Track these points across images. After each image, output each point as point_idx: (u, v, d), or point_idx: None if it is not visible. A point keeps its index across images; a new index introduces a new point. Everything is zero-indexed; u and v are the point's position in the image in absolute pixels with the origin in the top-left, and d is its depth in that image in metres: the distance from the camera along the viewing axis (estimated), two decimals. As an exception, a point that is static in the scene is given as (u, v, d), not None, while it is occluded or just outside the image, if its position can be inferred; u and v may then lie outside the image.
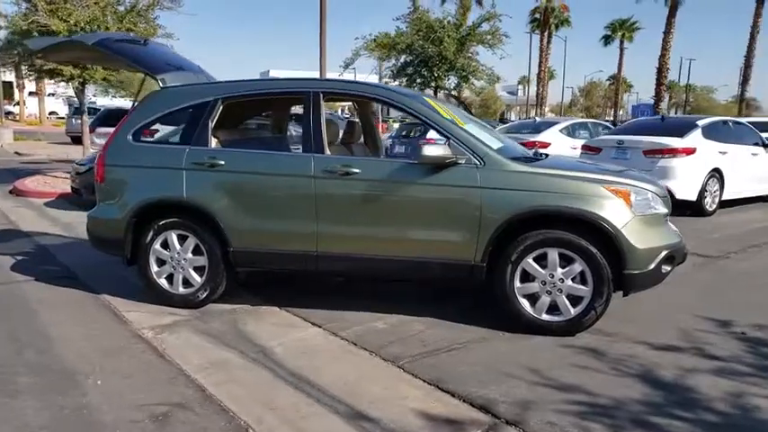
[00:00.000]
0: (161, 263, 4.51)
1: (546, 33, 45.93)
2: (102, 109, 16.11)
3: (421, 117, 4.16)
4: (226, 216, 4.27)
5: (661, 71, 36.76)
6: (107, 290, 4.87)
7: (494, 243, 3.88)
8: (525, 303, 3.93)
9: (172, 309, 4.42)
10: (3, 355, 3.59)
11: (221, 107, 4.46)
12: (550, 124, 13.08)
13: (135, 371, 3.37)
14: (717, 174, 9.11)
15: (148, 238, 4.47)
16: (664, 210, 4.04)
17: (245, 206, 4.27)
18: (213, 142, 4.47)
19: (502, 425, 2.79)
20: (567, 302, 3.86)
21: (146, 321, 4.19)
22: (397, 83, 18.16)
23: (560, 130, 12.60)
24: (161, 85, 4.69)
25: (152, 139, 4.73)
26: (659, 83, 37.47)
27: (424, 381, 3.25)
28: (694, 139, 9.04)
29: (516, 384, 3.20)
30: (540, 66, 46.22)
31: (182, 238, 4.45)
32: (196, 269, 4.46)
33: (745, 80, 41.09)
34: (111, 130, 4.92)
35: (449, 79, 18.12)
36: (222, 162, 4.30)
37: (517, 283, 3.91)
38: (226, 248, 4.33)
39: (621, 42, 57.52)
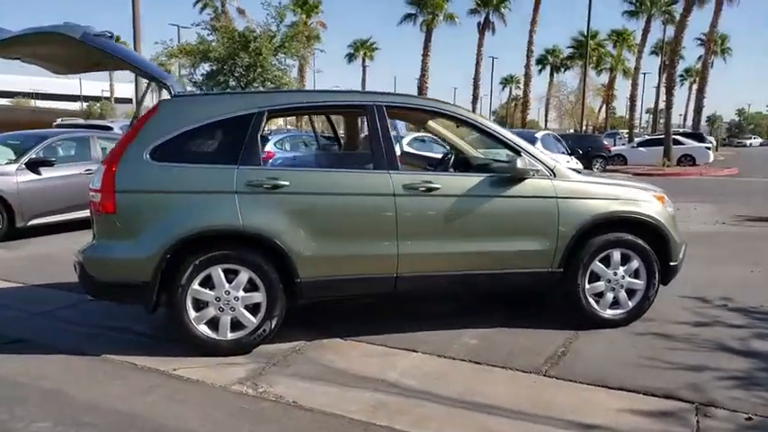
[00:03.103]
0: (199, 305, 3.78)
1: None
2: None
3: (491, 131, 4.28)
4: (295, 244, 3.78)
5: (421, 89, 41.04)
6: (97, 348, 3.91)
7: (570, 249, 4.18)
8: (592, 301, 4.32)
9: (222, 359, 3.75)
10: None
11: (266, 120, 3.94)
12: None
13: (316, 432, 2.85)
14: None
15: (185, 277, 3.71)
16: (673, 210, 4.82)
17: (317, 231, 3.84)
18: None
19: (703, 407, 3.11)
20: (626, 296, 4.36)
21: (219, 377, 3.49)
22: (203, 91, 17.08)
23: (407, 143, 13.36)
24: (172, 92, 3.93)
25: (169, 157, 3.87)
26: (420, 99, 41.65)
27: (589, 384, 3.40)
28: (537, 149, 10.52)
29: (659, 372, 3.55)
30: (300, 80, 47.47)
31: (228, 273, 3.79)
32: (247, 308, 3.85)
33: (474, 98, 48.26)
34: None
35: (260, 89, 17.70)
36: (287, 183, 3.80)
37: (586, 284, 4.28)
38: (290, 280, 3.84)
39: (364, 60, 62.63)
